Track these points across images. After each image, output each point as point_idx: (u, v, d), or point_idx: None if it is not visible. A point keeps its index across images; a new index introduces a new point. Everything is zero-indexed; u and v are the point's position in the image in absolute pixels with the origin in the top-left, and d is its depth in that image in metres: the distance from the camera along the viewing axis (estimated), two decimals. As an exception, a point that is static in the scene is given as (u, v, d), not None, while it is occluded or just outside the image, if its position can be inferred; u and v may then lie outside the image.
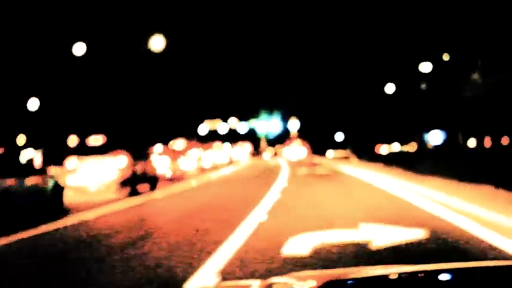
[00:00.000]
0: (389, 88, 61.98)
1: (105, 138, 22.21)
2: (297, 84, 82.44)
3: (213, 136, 66.35)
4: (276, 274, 4.42)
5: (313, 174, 28.67)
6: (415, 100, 49.95)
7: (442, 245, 8.33)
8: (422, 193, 16.02)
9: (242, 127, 75.29)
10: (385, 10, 59.88)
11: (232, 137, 69.34)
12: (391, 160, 37.85)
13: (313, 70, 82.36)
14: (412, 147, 58.82)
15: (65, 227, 12.20)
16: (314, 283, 2.37)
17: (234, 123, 78.70)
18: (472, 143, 56.45)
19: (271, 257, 7.69)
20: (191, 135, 56.48)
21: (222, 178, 29.77)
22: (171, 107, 63.29)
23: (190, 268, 7.18)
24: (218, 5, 71.26)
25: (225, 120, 77.52)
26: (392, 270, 2.62)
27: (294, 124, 79.48)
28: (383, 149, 68.40)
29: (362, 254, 7.70)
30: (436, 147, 50.40)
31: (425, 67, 41.95)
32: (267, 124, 75.79)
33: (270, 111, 76.11)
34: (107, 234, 10.70)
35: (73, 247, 9.70)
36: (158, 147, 30.02)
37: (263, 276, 5.52)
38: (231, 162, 51.38)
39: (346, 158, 60.87)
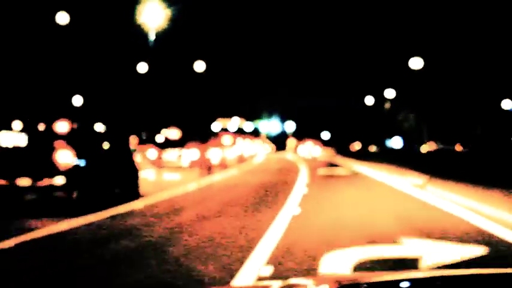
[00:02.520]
0: (369, 100, 76.75)
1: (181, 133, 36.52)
2: (293, 91, 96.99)
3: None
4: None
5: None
6: (382, 114, 65.43)
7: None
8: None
9: (248, 126, 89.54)
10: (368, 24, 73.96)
11: (241, 134, 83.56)
12: (363, 156, 52.85)
13: (306, 79, 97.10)
14: (374, 148, 74.07)
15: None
16: (327, 287, 2.39)
17: (237, 122, 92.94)
18: (424, 148, 71.01)
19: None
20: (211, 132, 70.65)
21: (259, 166, 39.65)
22: (188, 108, 77.38)
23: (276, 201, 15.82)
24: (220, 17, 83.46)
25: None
26: (403, 276, 2.55)
27: (290, 125, 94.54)
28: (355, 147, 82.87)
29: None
30: (394, 149, 65.47)
31: (389, 93, 57.09)
32: (268, 124, 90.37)
33: (270, 114, 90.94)
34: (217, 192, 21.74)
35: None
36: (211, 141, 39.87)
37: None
38: (255, 155, 63.23)
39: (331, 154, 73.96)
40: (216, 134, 49.62)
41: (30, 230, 10.64)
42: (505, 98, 56.30)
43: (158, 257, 8.23)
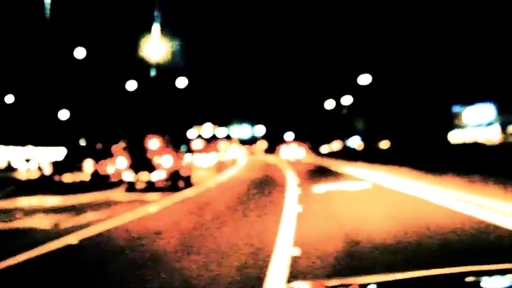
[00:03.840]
0: (329, 104, 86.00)
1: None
2: (261, 97, 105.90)
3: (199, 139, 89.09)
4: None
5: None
6: (341, 117, 75.16)
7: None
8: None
9: (221, 132, 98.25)
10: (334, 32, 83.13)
11: (215, 139, 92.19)
12: (333, 155, 62.27)
13: (272, 86, 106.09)
14: (338, 147, 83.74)
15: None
16: None
17: (210, 128, 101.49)
18: (384, 145, 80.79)
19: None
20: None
21: (244, 167, 48.37)
22: (168, 115, 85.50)
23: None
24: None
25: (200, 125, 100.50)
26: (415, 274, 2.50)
27: (260, 129, 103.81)
28: (323, 148, 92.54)
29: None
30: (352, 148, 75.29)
31: (346, 100, 66.74)
32: (239, 129, 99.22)
33: (241, 119, 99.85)
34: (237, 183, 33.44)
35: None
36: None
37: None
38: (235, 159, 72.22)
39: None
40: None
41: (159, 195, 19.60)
42: (446, 99, 65.91)
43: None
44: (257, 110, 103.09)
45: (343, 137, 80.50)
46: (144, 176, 24.21)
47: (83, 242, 11.43)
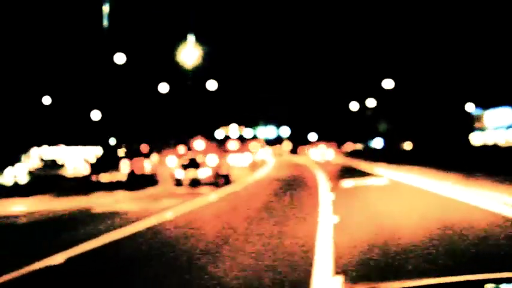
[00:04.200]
0: (353, 106, 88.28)
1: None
2: (286, 99, 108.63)
3: (227, 139, 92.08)
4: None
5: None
6: (365, 119, 77.59)
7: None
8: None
9: (248, 132, 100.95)
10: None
11: (242, 140, 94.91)
12: (359, 155, 64.96)
13: (296, 89, 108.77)
14: (359, 147, 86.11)
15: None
16: None
17: (236, 129, 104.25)
18: (407, 146, 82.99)
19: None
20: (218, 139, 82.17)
21: (274, 167, 52.17)
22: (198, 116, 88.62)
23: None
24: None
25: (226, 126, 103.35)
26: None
27: (285, 130, 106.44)
28: (349, 147, 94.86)
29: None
30: (377, 149, 77.65)
31: (370, 102, 69.05)
32: (266, 130, 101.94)
33: (266, 120, 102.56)
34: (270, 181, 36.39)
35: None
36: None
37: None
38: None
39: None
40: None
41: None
42: (467, 102, 67.99)
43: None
44: (282, 111, 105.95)
45: (367, 139, 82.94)
46: (191, 174, 27.16)
47: (177, 218, 15.90)
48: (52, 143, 70.23)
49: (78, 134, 73.60)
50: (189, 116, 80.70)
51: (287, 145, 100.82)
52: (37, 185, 32.76)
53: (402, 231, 10.83)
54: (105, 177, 32.21)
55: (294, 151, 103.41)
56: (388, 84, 54.49)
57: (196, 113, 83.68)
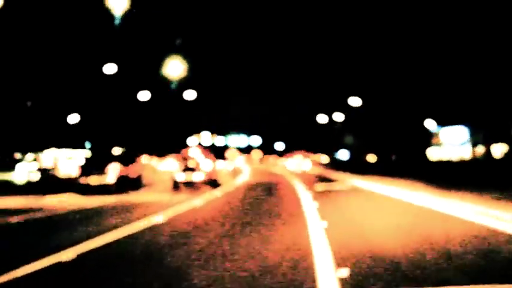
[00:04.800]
0: (322, 118, 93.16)
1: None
2: (256, 109, 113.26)
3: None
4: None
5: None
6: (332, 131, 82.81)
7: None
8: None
9: (220, 140, 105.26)
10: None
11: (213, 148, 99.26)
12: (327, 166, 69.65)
13: (266, 99, 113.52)
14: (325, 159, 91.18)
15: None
16: None
17: (209, 136, 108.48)
18: (372, 158, 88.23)
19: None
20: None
21: (252, 173, 56.71)
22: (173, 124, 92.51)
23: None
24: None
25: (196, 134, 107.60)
26: None
27: (255, 140, 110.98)
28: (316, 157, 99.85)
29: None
30: (343, 160, 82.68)
31: (338, 116, 74.07)
32: (237, 139, 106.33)
33: (238, 130, 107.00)
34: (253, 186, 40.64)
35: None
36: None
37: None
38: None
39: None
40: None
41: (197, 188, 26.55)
42: (427, 119, 73.26)
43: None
44: (253, 120, 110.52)
45: (332, 150, 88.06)
46: (188, 177, 31.55)
47: (205, 205, 20.73)
48: (41, 145, 72.88)
49: (61, 136, 76.73)
50: (165, 123, 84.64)
51: (257, 154, 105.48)
52: (48, 184, 34.82)
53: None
54: (93, 180, 32.83)
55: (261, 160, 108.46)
56: (354, 101, 59.39)
57: (172, 120, 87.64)
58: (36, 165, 41.65)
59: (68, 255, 10.13)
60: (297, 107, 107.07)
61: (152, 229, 14.37)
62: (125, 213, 19.16)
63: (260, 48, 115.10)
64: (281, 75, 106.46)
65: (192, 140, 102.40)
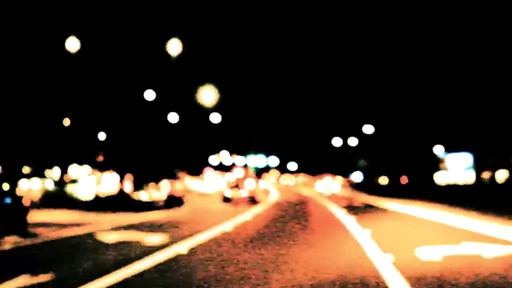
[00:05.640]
0: (336, 142, 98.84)
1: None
2: (274, 130, 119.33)
3: (221, 166, 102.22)
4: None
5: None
6: (347, 155, 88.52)
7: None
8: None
9: (239, 160, 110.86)
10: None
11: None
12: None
13: (283, 120, 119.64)
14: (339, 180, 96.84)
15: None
16: None
17: (227, 156, 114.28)
18: (383, 180, 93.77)
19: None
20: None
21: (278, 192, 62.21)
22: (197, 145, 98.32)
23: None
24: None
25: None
26: None
27: (273, 160, 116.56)
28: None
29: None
30: (358, 182, 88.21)
31: (352, 141, 79.96)
32: (256, 159, 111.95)
33: (256, 150, 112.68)
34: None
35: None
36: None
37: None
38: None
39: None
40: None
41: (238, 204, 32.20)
42: (436, 145, 78.93)
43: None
44: (270, 141, 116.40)
45: (346, 172, 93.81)
46: (235, 193, 37.39)
47: (262, 212, 25.17)
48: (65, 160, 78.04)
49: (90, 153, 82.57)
50: (190, 144, 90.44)
51: (275, 173, 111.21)
52: (112, 201, 35.23)
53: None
54: (138, 196, 34.30)
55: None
56: (368, 129, 65.21)
57: (196, 141, 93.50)
58: (93, 182, 42.68)
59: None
60: (312, 131, 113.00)
61: (226, 233, 19.39)
62: (199, 224, 24.61)
63: (281, 74, 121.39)
64: (299, 100, 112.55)
65: (213, 160, 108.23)
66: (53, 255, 14.09)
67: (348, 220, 23.71)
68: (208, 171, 65.09)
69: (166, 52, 44.52)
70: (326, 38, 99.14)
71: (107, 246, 15.54)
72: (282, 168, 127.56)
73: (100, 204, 34.32)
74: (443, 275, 10.04)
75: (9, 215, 17.17)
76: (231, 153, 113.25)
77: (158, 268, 11.41)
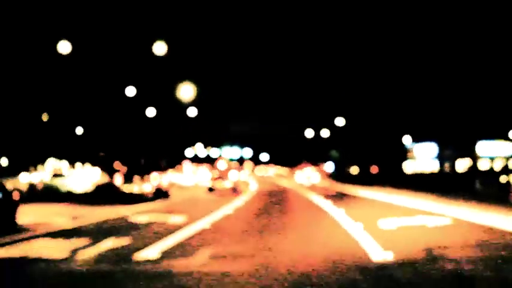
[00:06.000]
0: (309, 133, 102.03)
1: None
2: (247, 121, 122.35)
3: (196, 159, 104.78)
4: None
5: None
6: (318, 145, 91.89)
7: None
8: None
9: (214, 152, 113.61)
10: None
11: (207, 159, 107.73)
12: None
13: (257, 112, 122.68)
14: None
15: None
16: None
17: (202, 148, 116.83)
18: (354, 170, 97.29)
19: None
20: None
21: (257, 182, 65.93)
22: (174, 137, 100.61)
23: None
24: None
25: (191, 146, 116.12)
26: None
27: (247, 151, 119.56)
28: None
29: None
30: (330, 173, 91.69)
31: (324, 133, 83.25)
32: (231, 150, 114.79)
33: (232, 142, 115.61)
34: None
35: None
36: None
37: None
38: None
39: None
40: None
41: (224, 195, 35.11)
42: (404, 135, 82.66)
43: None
44: (243, 131, 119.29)
45: (318, 163, 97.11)
46: (219, 184, 40.07)
47: (251, 199, 27.81)
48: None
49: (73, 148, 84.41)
50: (168, 137, 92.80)
51: (249, 165, 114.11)
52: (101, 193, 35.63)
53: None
54: (128, 189, 34.87)
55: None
56: (339, 121, 68.35)
57: (173, 134, 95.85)
58: (84, 174, 44.59)
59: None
60: (285, 123, 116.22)
61: (229, 215, 22.43)
62: (214, 203, 27.34)
63: (256, 68, 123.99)
64: (273, 93, 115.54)
65: (188, 152, 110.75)
66: (104, 231, 16.69)
67: (325, 203, 28.03)
68: (186, 164, 67.60)
69: (150, 51, 46.56)
70: (298, 33, 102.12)
71: (140, 225, 18.41)
72: (255, 160, 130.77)
73: (91, 198, 35.02)
74: (395, 234, 14.73)
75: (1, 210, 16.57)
76: (206, 146, 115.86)
77: (198, 235, 15.47)
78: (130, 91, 63.34)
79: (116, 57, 65.16)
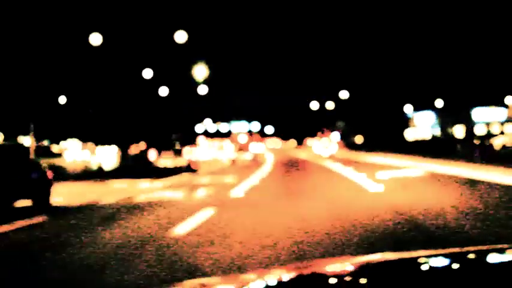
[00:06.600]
0: (314, 105, 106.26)
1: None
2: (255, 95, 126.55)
3: (206, 133, 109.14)
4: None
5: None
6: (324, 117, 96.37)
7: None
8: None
9: (224, 127, 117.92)
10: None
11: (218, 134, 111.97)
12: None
13: (263, 86, 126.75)
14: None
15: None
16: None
17: (211, 124, 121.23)
18: (358, 139, 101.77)
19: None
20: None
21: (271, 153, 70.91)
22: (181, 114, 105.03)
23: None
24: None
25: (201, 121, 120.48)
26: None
27: (255, 125, 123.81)
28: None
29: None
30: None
31: (329, 105, 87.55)
32: (239, 125, 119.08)
33: (238, 117, 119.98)
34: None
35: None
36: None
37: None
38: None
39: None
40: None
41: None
42: (406, 105, 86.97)
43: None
44: (251, 106, 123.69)
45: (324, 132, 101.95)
46: (241, 156, 44.19)
47: (274, 168, 32.17)
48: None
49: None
50: (176, 115, 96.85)
51: (258, 138, 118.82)
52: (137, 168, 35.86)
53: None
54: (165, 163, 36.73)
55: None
56: (344, 94, 72.64)
57: (181, 111, 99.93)
58: (115, 152, 48.01)
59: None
60: (290, 95, 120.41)
61: (264, 177, 26.79)
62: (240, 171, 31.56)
63: (260, 44, 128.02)
64: (277, 68, 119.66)
65: (199, 128, 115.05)
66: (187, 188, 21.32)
67: (336, 166, 34.71)
68: (202, 139, 71.38)
69: (167, 35, 49.91)
70: (304, 9, 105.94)
71: (206, 184, 23.30)
72: (262, 133, 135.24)
73: (131, 173, 33.59)
74: (386, 180, 21.12)
75: (37, 189, 16.49)
76: (215, 121, 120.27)
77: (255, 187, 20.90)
78: (148, 73, 67.71)
79: (135, 42, 69.05)
